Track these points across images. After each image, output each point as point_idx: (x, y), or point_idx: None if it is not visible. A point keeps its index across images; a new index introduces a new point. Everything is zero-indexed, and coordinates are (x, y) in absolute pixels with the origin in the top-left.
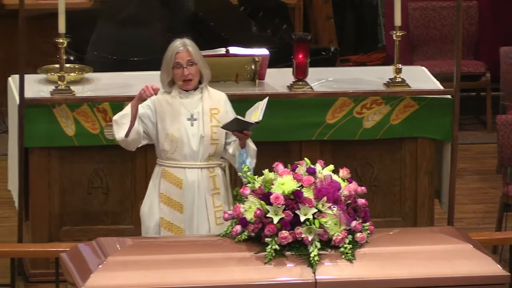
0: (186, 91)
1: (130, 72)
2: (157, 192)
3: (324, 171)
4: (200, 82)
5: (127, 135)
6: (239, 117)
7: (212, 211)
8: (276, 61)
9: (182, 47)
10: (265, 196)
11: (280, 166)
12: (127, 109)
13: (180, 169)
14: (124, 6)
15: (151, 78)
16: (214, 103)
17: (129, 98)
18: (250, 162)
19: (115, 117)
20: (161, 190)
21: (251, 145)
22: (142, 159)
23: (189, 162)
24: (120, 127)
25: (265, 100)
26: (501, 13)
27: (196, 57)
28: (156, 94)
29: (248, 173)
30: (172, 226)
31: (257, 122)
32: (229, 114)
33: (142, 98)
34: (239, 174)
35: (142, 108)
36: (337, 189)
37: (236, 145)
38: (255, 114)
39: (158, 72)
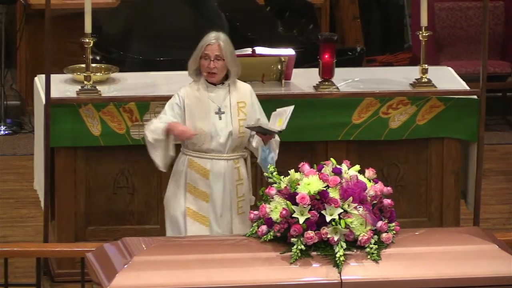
0: (213, 84)
1: (156, 72)
2: (183, 181)
3: (350, 171)
4: (227, 77)
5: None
6: (263, 125)
7: (236, 201)
8: (302, 61)
9: (215, 40)
10: (291, 196)
11: (306, 166)
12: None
13: (207, 160)
14: (151, 6)
15: (177, 78)
16: (241, 97)
17: (155, 98)
18: (272, 157)
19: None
20: (188, 180)
21: (274, 139)
22: None
23: (216, 154)
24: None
25: (291, 108)
26: None
27: (226, 53)
28: (190, 138)
29: (274, 174)
30: (197, 216)
31: (280, 131)
32: (254, 106)
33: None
34: (265, 174)
35: (173, 107)
36: (363, 189)
37: (259, 139)
38: (280, 120)
39: (185, 72)
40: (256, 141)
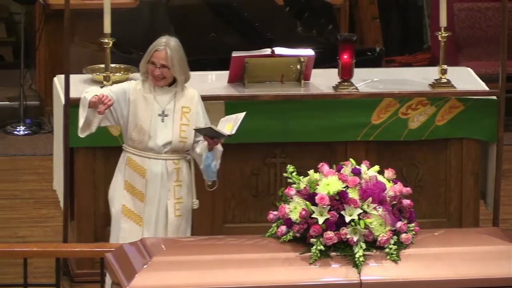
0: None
1: None
2: (121, 177)
3: (370, 172)
4: (175, 80)
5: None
6: (213, 126)
7: (172, 203)
8: (321, 61)
9: (163, 46)
10: (310, 196)
11: (325, 167)
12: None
13: (145, 158)
14: (169, 6)
15: (196, 78)
16: (187, 102)
17: None
18: (215, 165)
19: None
20: (125, 177)
21: (217, 147)
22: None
23: (154, 154)
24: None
25: (242, 114)
26: None
27: (172, 62)
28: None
29: (294, 174)
30: (132, 214)
31: (229, 135)
32: (199, 115)
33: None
34: (206, 181)
35: (118, 91)
36: (382, 189)
37: (204, 146)
38: (229, 125)
39: (202, 73)
40: (200, 147)
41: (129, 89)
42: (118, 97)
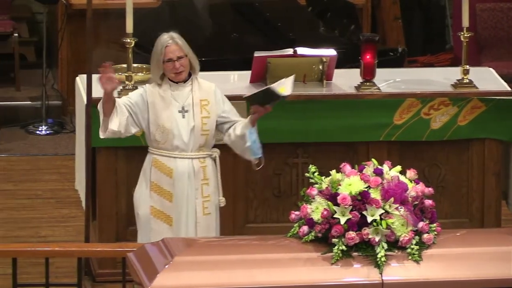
0: (177, 82)
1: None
2: (148, 180)
3: (392, 172)
4: (190, 74)
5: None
6: (271, 87)
7: (201, 201)
8: (343, 61)
9: (171, 40)
10: (332, 196)
11: (347, 167)
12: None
13: (171, 158)
14: (191, 5)
15: (218, 78)
16: (204, 95)
17: None
18: (258, 141)
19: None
20: (151, 179)
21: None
22: None
23: (180, 152)
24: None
25: (292, 76)
26: None
27: (185, 49)
28: (109, 73)
29: (316, 174)
30: (161, 215)
31: (285, 96)
32: (219, 104)
33: (107, 92)
34: (252, 159)
35: (135, 96)
36: (404, 190)
37: (244, 124)
38: (282, 88)
39: (225, 73)
40: (241, 127)
41: (144, 92)
42: (136, 102)
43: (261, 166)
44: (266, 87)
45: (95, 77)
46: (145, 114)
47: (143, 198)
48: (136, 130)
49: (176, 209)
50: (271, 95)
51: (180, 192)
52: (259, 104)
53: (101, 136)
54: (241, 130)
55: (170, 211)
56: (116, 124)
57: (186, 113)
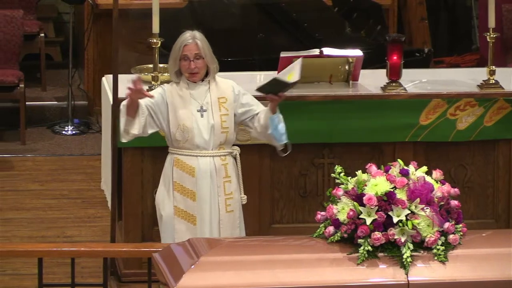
0: (193, 82)
1: (223, 72)
2: (170, 180)
3: (417, 173)
4: (207, 74)
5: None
6: (277, 77)
7: (223, 199)
8: (370, 62)
9: (191, 39)
10: (358, 197)
11: (373, 167)
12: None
13: (193, 157)
14: (217, 6)
15: (244, 78)
16: (221, 92)
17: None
18: (283, 126)
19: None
20: (174, 179)
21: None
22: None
23: (201, 151)
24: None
25: (299, 60)
26: None
27: (204, 51)
28: (139, 87)
29: (342, 174)
30: (185, 214)
31: (294, 83)
32: (238, 98)
33: (133, 100)
34: (276, 144)
35: (156, 96)
36: (430, 190)
37: (266, 113)
38: (290, 74)
39: (251, 73)
40: (263, 117)
41: (164, 92)
42: (157, 101)
43: (287, 153)
44: (273, 77)
45: (121, 77)
46: (165, 114)
47: (166, 199)
48: (153, 130)
49: (199, 207)
50: (279, 85)
51: (203, 191)
52: (271, 93)
53: (124, 140)
54: (264, 119)
55: (193, 210)
56: (137, 128)
57: (205, 112)
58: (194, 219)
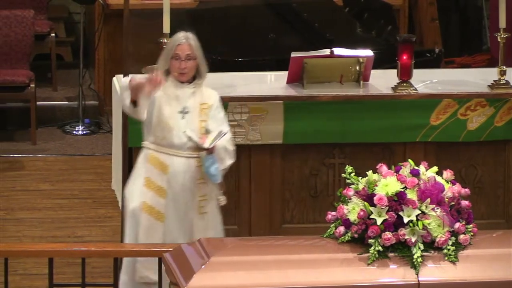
0: (181, 82)
1: (234, 72)
2: (141, 175)
3: (428, 173)
4: (195, 77)
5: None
6: (192, 136)
7: (197, 200)
8: (380, 62)
9: (185, 40)
10: (368, 197)
11: (384, 168)
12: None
13: (168, 155)
14: (228, 6)
15: (255, 78)
16: (204, 98)
17: (233, 99)
18: (216, 168)
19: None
20: (145, 174)
21: (228, 147)
22: (247, 160)
23: (177, 150)
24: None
25: (225, 132)
26: None
27: (196, 52)
28: (163, 82)
29: (352, 174)
30: (153, 211)
31: (204, 148)
32: (216, 110)
33: (145, 91)
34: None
35: None
36: (440, 190)
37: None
38: (211, 138)
39: (261, 73)
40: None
41: (153, 75)
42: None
43: (223, 193)
44: (189, 135)
45: (132, 77)
46: (151, 107)
47: (135, 193)
48: (142, 112)
49: (169, 206)
50: (192, 141)
51: (174, 190)
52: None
53: (142, 119)
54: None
55: (162, 208)
56: (144, 112)
57: (186, 115)
58: (162, 216)
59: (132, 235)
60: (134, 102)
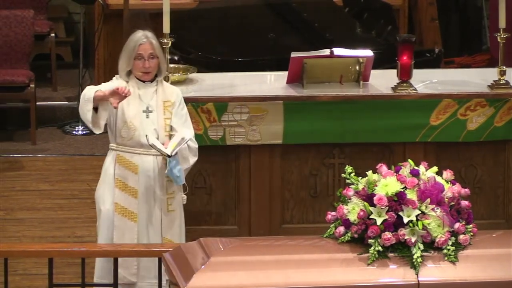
0: (143, 81)
1: (234, 72)
2: (111, 177)
3: (428, 173)
4: (156, 75)
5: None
6: (155, 143)
7: (165, 198)
8: (380, 62)
9: (146, 39)
10: (368, 197)
11: (383, 168)
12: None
13: (136, 155)
14: (228, 7)
15: (255, 78)
16: (167, 96)
17: (233, 99)
18: (180, 170)
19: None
20: (116, 176)
21: (192, 145)
22: (246, 159)
23: (145, 149)
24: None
25: (187, 139)
26: None
27: (158, 50)
28: (128, 94)
29: (352, 174)
30: (126, 211)
31: (168, 155)
32: (179, 107)
33: (110, 101)
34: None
35: (111, 87)
36: (440, 191)
37: (168, 148)
38: (174, 144)
39: (261, 73)
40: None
41: (119, 86)
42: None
43: (185, 192)
44: (152, 143)
45: (98, 89)
46: (114, 109)
47: (106, 195)
48: (104, 123)
49: (141, 205)
50: (157, 149)
51: (145, 189)
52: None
53: (98, 132)
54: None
55: (135, 208)
56: (104, 118)
57: (150, 113)
58: (135, 216)
59: (106, 237)
60: (95, 109)
